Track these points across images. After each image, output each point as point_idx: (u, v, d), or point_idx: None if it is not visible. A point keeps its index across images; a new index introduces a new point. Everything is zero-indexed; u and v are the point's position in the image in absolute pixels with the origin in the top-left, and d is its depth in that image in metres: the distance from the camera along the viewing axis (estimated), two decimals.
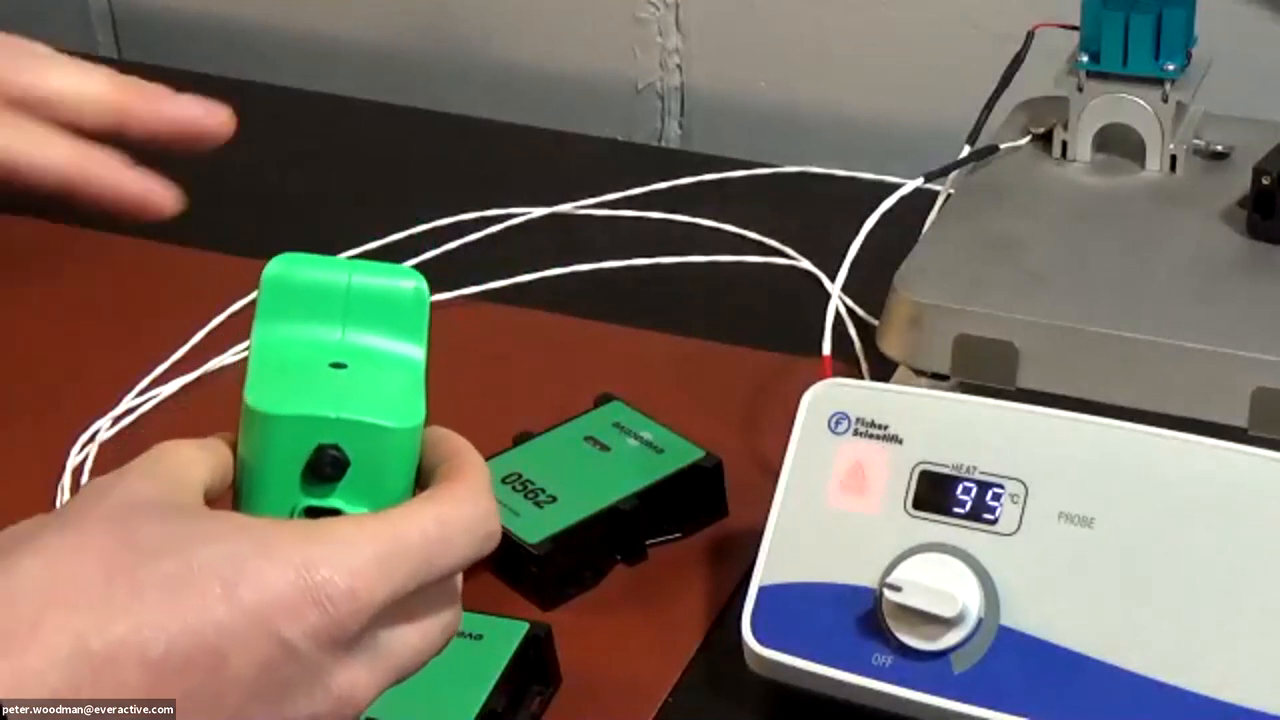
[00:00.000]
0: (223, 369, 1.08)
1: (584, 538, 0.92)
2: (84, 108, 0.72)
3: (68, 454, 1.02)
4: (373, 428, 0.66)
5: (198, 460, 0.66)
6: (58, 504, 0.98)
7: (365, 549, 0.63)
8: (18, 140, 0.70)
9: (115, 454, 1.02)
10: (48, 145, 0.71)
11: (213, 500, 0.66)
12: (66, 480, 1.00)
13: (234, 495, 0.68)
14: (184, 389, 1.07)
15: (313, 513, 0.66)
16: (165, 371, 1.08)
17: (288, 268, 0.69)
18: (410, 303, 0.69)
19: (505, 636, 0.85)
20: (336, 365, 0.68)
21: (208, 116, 0.74)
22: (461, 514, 0.65)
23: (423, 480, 0.68)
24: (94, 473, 1.00)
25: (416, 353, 0.69)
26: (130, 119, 0.72)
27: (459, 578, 0.67)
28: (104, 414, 1.04)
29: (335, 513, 0.66)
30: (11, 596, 0.59)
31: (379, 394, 0.67)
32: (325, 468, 0.65)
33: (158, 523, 0.62)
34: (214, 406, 1.06)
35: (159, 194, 0.73)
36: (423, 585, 0.64)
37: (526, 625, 0.86)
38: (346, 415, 0.66)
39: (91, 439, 1.03)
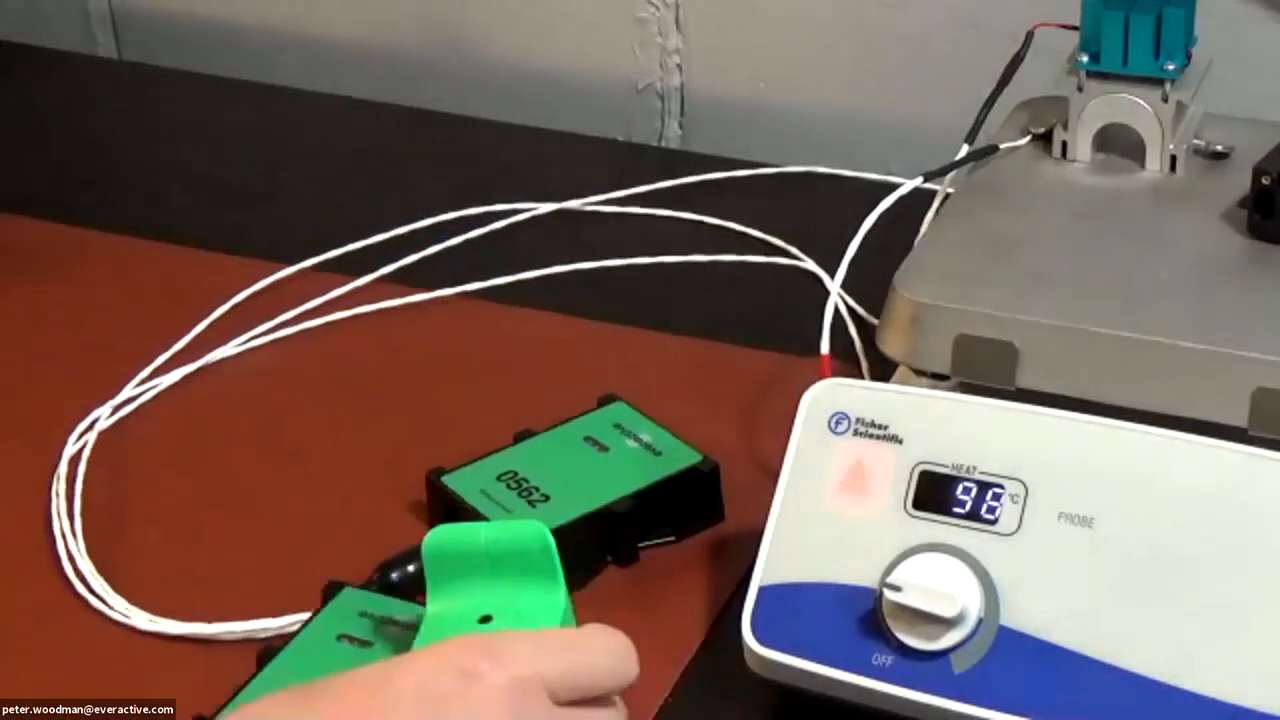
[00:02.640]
0: (223, 360, 1.08)
1: (575, 538, 0.91)
2: None
3: (65, 442, 1.02)
4: None
5: None
6: (52, 493, 0.98)
7: (517, 638, 0.73)
8: None
9: (115, 442, 1.02)
10: None
11: None
12: (63, 469, 1.00)
13: None
14: (184, 379, 1.07)
15: None
16: (165, 362, 1.08)
17: (436, 539, 0.80)
18: (539, 551, 0.79)
19: None
20: (484, 619, 0.78)
21: None
22: (596, 630, 0.75)
23: None
24: (91, 462, 1.00)
25: (557, 597, 0.78)
26: None
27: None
28: (103, 403, 1.04)
29: None
30: None
31: None
32: None
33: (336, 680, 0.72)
34: (214, 397, 1.06)
35: None
36: (573, 682, 0.72)
37: None
38: None
39: (90, 427, 1.03)
